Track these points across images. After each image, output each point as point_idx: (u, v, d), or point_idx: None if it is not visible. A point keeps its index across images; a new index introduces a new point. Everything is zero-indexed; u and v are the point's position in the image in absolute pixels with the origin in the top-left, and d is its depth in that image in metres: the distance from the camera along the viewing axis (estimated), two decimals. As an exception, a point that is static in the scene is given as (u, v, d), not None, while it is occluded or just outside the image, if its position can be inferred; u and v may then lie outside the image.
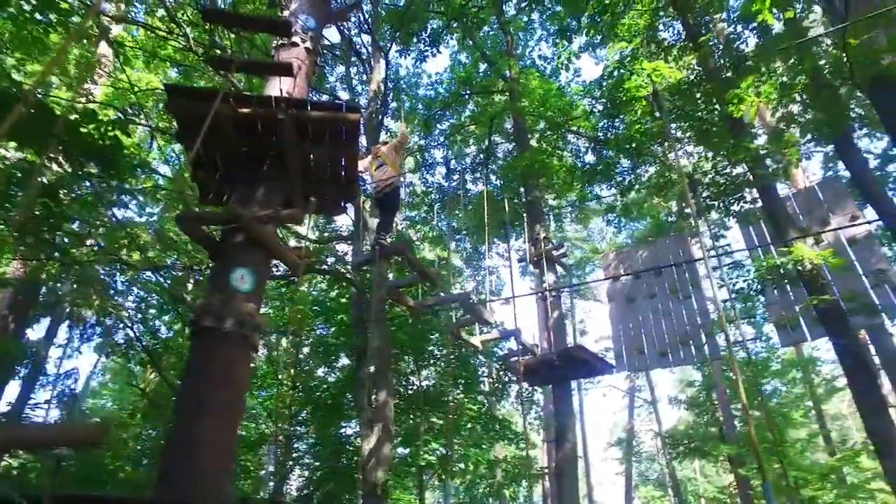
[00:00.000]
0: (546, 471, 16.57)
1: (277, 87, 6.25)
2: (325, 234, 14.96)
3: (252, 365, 5.37)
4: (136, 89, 11.18)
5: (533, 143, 16.09)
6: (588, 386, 32.42)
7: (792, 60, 6.25)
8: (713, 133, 8.71)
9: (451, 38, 17.65)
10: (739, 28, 9.90)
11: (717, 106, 8.91)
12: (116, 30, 11.34)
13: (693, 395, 27.23)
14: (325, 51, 14.88)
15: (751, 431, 4.28)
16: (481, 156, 16.77)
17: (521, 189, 15.36)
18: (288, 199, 6.25)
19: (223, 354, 4.87)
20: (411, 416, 14.78)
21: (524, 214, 13.91)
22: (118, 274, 12.02)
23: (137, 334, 12.82)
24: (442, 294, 10.07)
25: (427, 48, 13.97)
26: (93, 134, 6.53)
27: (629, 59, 9.15)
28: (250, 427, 19.64)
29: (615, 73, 9.68)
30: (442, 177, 17.97)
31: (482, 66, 18.16)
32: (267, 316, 15.25)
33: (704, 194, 10.86)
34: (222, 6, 11.29)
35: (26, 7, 7.82)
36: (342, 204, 7.01)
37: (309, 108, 5.75)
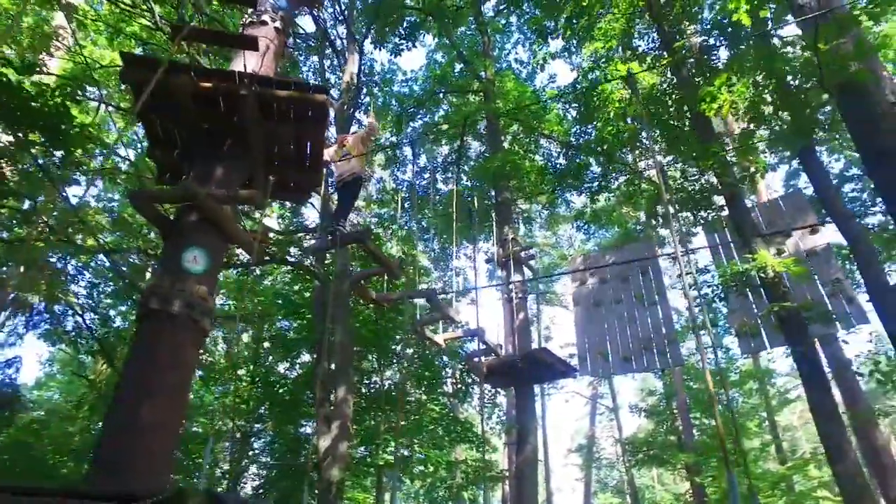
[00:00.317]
0: (506, 474, 16.49)
1: (242, 64, 6.00)
2: (291, 227, 14.59)
3: (201, 350, 5.08)
4: (97, 65, 10.73)
5: (506, 145, 16.07)
6: (551, 391, 32.62)
7: (762, 62, 6.30)
8: (683, 139, 8.77)
9: (428, 35, 17.55)
10: (712, 41, 10.05)
11: (688, 113, 9.00)
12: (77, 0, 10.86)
13: (654, 404, 27.62)
14: (299, 40, 14.59)
15: (717, 423, 4.23)
16: (453, 155, 16.65)
17: (492, 191, 15.30)
18: (249, 181, 6.02)
19: (170, 338, 4.61)
20: (373, 415, 14.53)
21: (493, 214, 13.84)
22: (69, 258, 11.46)
23: (88, 322, 12.26)
24: (405, 289, 9.89)
25: (402, 41, 13.80)
26: (35, 98, 6.13)
27: (604, 60, 9.17)
28: (205, 423, 19.08)
29: (589, 74, 9.68)
30: (413, 175, 17.80)
31: (458, 67, 18.09)
32: (223, 306, 14.79)
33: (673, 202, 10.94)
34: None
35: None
36: (306, 191, 6.79)
37: (274, 86, 5.52)
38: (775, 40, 7.80)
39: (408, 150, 18.14)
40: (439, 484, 18.28)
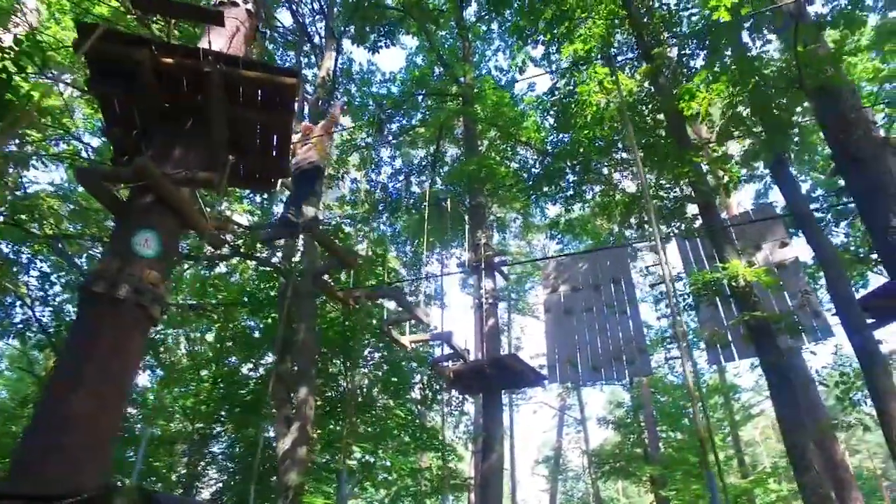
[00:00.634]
0: (472, 482, 16.26)
1: (208, 44, 5.73)
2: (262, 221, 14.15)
3: (146, 338, 4.76)
4: (60, 46, 10.28)
5: (483, 150, 15.98)
6: (519, 401, 32.57)
7: (740, 61, 6.29)
8: (659, 147, 8.76)
9: (408, 36, 17.41)
10: (689, 51, 10.12)
11: (664, 122, 9.00)
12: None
13: (621, 416, 27.75)
14: (276, 34, 14.29)
15: (696, 417, 4.11)
16: (429, 159, 16.50)
17: (467, 196, 15.18)
18: (211, 165, 5.73)
19: (114, 324, 4.29)
20: (339, 420, 14.16)
21: (466, 217, 13.69)
22: (19, 246, 10.90)
23: (38, 315, 11.68)
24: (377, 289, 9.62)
25: (381, 38, 13.63)
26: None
27: (582, 63, 9.14)
28: (163, 426, 18.41)
29: (567, 75, 9.63)
30: (387, 177, 17.61)
31: (437, 71, 17.99)
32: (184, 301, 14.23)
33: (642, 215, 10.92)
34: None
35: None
36: (272, 180, 6.51)
37: (241, 66, 5.26)
38: (752, 45, 7.84)
39: (384, 152, 17.94)
40: (404, 493, 17.94)
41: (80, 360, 4.08)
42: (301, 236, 8.89)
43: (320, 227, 6.98)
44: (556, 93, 11.05)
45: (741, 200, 18.97)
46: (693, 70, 9.35)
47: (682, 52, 9.24)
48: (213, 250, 9.75)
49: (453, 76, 16.06)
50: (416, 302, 10.01)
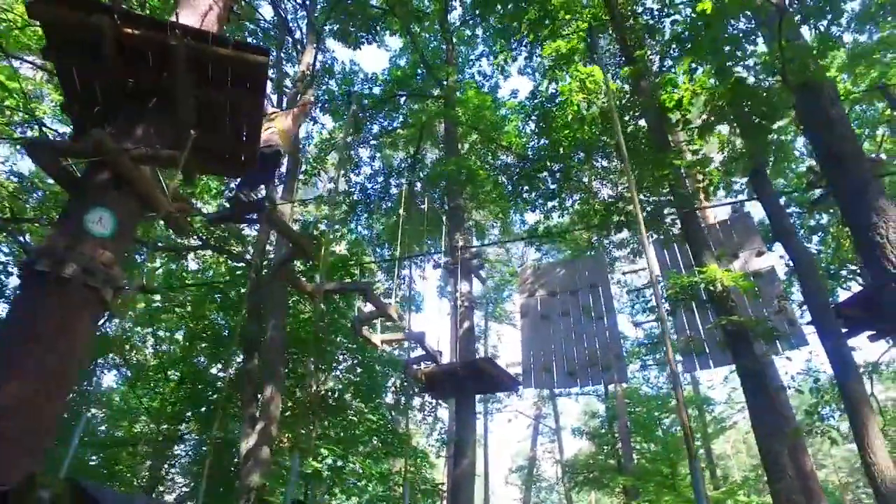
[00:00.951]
0: (443, 488, 15.96)
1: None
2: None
3: (96, 324, 4.47)
4: (26, 25, 9.90)
5: (464, 153, 15.87)
6: (494, 409, 32.38)
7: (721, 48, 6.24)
8: (638, 150, 8.71)
9: (392, 37, 17.28)
10: (670, 59, 10.13)
11: (645, 127, 8.97)
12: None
13: (596, 427, 27.72)
14: (256, 27, 14.03)
15: (681, 411, 3.98)
16: (409, 160, 16.33)
17: (445, 197, 15.03)
18: (176, 146, 5.46)
19: (58, 306, 4.01)
20: (309, 422, 13.78)
21: (444, 219, 13.52)
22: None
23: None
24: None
25: (363, 35, 13.46)
26: None
27: (564, 62, 9.08)
28: (127, 427, 17.79)
29: (549, 73, 9.55)
30: (366, 178, 17.36)
31: (420, 73, 17.85)
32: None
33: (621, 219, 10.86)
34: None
35: None
36: (241, 165, 6.24)
37: (210, 42, 5.03)
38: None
39: (363, 152, 17.72)
40: (375, 500, 17.55)
41: (18, 344, 3.79)
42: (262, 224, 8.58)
43: (275, 208, 6.68)
44: (538, 94, 10.98)
45: (717, 213, 19.13)
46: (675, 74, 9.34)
47: (665, 57, 9.24)
48: (178, 238, 9.36)
49: (435, 77, 15.95)
50: (388, 301, 9.74)
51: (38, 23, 4.66)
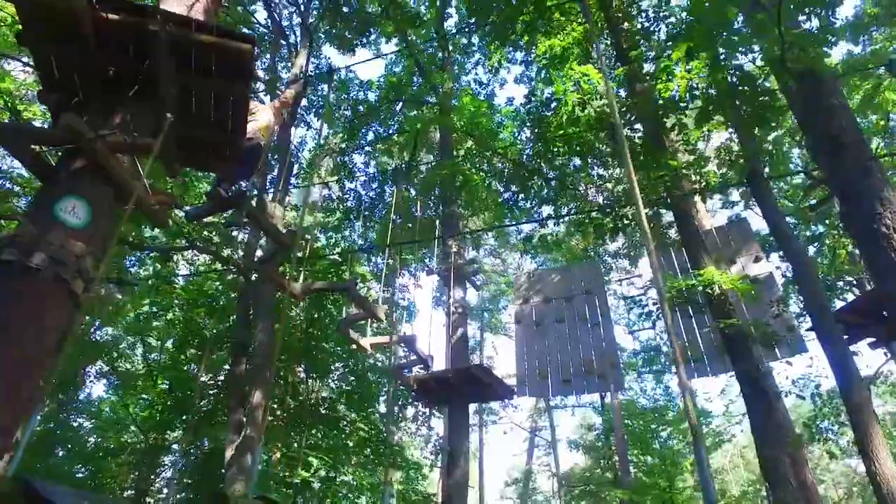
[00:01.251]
0: (436, 498, 15.65)
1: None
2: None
3: (67, 317, 4.26)
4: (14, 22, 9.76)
5: (458, 159, 15.73)
6: (489, 421, 32.00)
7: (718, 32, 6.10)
8: (635, 153, 8.57)
9: (388, 44, 17.22)
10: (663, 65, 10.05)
11: (640, 126, 8.86)
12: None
13: (592, 440, 27.41)
14: (251, 31, 13.94)
15: (687, 403, 3.82)
16: (403, 167, 16.20)
17: (440, 204, 14.89)
18: (156, 136, 5.29)
19: (22, 298, 3.80)
20: (299, 432, 13.50)
21: (437, 223, 13.35)
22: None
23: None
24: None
25: (357, 37, 13.38)
26: None
27: (559, 61, 8.97)
28: (115, 437, 17.46)
29: (543, 73, 9.42)
30: (361, 184, 17.20)
31: (416, 81, 17.80)
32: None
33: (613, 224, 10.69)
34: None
35: None
36: (227, 158, 6.06)
37: (194, 28, 4.87)
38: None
39: (357, 158, 17.58)
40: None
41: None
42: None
43: (253, 202, 6.51)
44: (533, 99, 10.87)
45: (714, 220, 19.04)
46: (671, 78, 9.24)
47: (660, 58, 9.11)
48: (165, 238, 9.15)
49: (431, 83, 15.87)
50: (377, 301, 9.49)
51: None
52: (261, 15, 14.82)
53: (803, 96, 5.08)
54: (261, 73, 13.80)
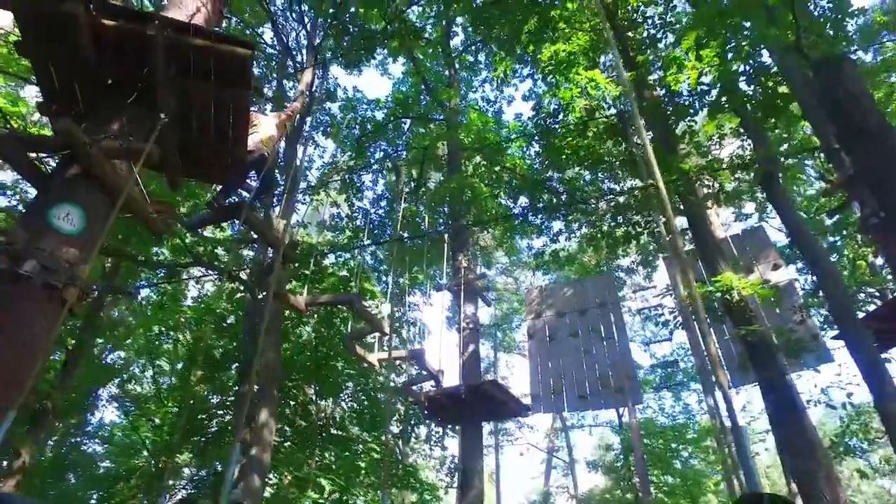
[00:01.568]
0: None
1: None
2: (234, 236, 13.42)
3: (57, 326, 4.11)
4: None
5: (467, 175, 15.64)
6: (505, 442, 31.38)
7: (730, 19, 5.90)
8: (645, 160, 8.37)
9: (394, 62, 17.31)
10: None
11: (650, 133, 8.68)
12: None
13: (611, 460, 26.69)
14: (259, 53, 14.02)
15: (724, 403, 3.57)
16: (412, 184, 16.13)
17: (449, 220, 14.75)
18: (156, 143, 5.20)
19: (12, 305, 3.67)
20: (309, 453, 13.20)
21: (446, 237, 13.15)
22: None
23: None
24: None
25: (363, 56, 13.42)
26: None
27: (564, 67, 8.85)
28: (125, 461, 17.28)
29: (550, 78, 9.29)
30: (370, 202, 17.16)
31: (423, 100, 17.83)
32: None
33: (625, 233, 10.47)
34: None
35: None
36: (229, 168, 5.96)
37: (192, 34, 4.81)
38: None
39: (366, 177, 17.55)
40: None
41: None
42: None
43: (251, 210, 6.40)
44: (540, 111, 10.76)
45: (728, 227, 18.67)
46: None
47: (668, 67, 8.96)
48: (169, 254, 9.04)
49: (437, 99, 15.87)
50: (388, 322, 9.24)
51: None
52: (268, 35, 14.98)
53: (821, 86, 4.89)
54: (268, 93, 13.86)
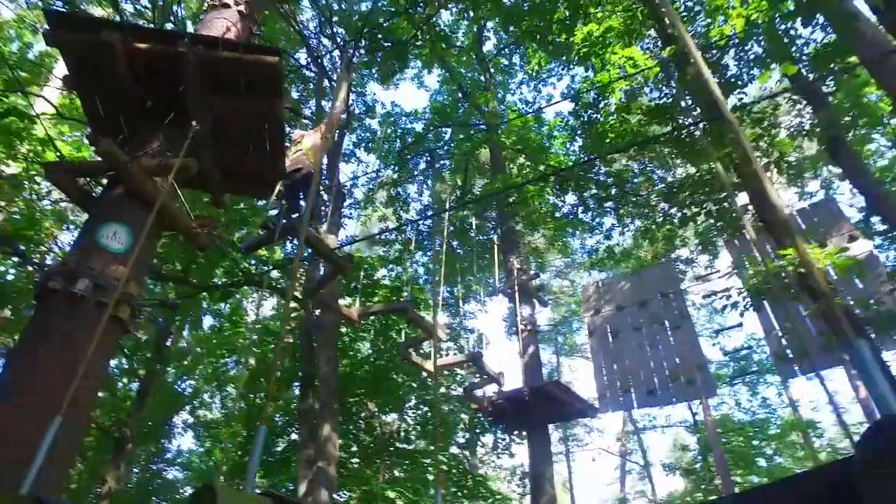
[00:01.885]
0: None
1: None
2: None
3: (112, 343, 4.17)
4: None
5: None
6: (575, 447, 30.53)
7: None
8: (692, 138, 7.91)
9: (430, 73, 17.35)
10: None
11: (696, 108, 8.22)
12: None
13: (689, 462, 25.42)
14: (293, 76, 14.34)
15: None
16: (457, 192, 16.06)
17: (498, 224, 14.56)
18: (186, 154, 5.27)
19: (65, 325, 3.74)
20: (377, 468, 13.17)
21: (495, 238, 12.94)
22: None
23: None
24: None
25: (395, 67, 13.48)
26: None
27: (600, 47, 8.51)
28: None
29: (585, 61, 8.95)
30: (416, 213, 17.16)
31: (461, 107, 17.80)
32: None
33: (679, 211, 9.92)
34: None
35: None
36: (268, 182, 6.00)
37: (221, 48, 4.87)
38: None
39: (411, 188, 17.60)
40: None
41: (20, 369, 3.53)
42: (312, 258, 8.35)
43: (309, 229, 6.40)
44: (580, 102, 10.44)
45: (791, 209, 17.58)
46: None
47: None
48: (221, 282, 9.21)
49: (475, 104, 15.77)
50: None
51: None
52: (303, 59, 15.28)
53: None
54: (308, 112, 14.09)
